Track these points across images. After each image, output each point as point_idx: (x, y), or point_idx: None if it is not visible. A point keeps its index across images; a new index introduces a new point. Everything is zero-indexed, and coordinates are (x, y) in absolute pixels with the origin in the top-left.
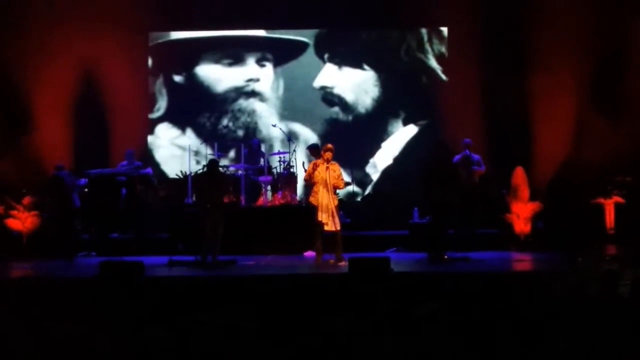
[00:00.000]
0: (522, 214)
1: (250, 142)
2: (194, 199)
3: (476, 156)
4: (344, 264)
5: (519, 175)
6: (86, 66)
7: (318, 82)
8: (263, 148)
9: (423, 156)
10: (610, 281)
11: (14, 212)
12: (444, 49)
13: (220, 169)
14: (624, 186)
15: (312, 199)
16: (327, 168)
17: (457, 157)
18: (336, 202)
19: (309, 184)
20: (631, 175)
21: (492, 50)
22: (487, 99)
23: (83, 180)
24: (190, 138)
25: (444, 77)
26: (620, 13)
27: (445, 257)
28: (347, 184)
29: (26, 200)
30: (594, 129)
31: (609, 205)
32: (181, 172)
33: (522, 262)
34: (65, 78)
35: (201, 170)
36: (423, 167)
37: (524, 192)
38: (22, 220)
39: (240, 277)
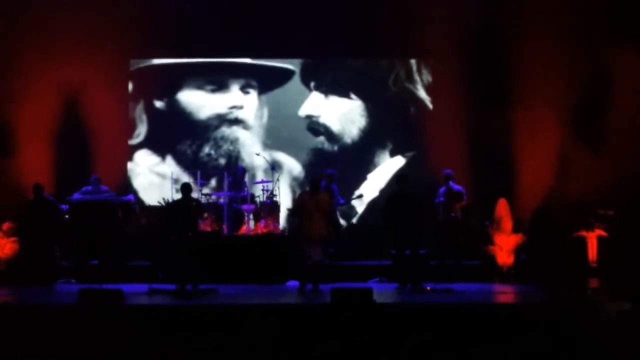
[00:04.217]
0: (504, 246)
1: (235, 169)
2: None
3: (458, 187)
4: (325, 293)
5: (502, 207)
6: (68, 91)
7: (303, 111)
8: (246, 177)
9: (411, 189)
10: (593, 315)
11: None
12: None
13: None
14: (606, 220)
15: (300, 229)
16: (312, 198)
17: (442, 189)
18: (323, 233)
19: (297, 216)
20: (613, 208)
21: (476, 83)
22: (471, 132)
23: (64, 207)
24: (170, 165)
25: (432, 107)
26: (603, 47)
27: (428, 288)
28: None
29: (6, 225)
30: (576, 161)
31: (592, 239)
32: (163, 199)
33: (505, 294)
34: (47, 103)
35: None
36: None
37: (507, 224)
38: (1, 247)
39: (221, 306)
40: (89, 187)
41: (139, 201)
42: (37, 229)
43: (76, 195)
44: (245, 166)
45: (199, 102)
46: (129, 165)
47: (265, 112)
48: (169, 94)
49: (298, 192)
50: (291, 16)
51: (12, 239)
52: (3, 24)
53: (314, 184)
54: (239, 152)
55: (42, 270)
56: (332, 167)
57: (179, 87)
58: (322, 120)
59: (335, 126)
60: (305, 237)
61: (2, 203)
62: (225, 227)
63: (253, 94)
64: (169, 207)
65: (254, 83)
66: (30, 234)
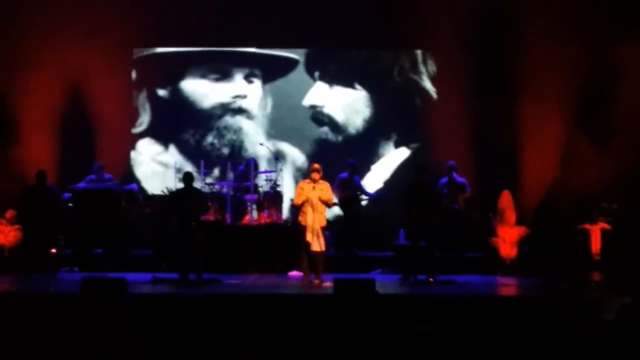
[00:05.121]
0: (508, 238)
1: (247, 161)
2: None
3: (461, 179)
4: (328, 284)
5: (506, 199)
6: (72, 80)
7: (308, 101)
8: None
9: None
10: (596, 308)
11: None
12: None
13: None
14: (610, 213)
15: (300, 219)
16: (314, 188)
17: (444, 180)
18: (323, 223)
19: (297, 206)
20: (617, 202)
21: (481, 74)
22: (476, 123)
23: (67, 195)
24: (173, 155)
25: (437, 98)
26: (608, 39)
27: (431, 280)
28: (334, 204)
29: (9, 213)
30: (581, 154)
31: (595, 232)
32: (167, 188)
33: (507, 286)
34: (50, 91)
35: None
36: (404, 189)
37: (511, 216)
38: (4, 234)
39: (224, 295)
40: (93, 176)
41: (142, 190)
42: (37, 216)
43: (81, 185)
44: (248, 156)
45: (202, 91)
46: (132, 154)
47: (269, 101)
48: (172, 82)
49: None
50: (296, 5)
51: (16, 226)
52: (6, 14)
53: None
54: (242, 141)
55: (44, 258)
56: (336, 157)
57: (182, 76)
58: (326, 110)
59: (339, 116)
60: (307, 227)
61: (5, 191)
62: (228, 217)
63: (257, 83)
64: (171, 196)
65: (258, 72)
66: (29, 221)
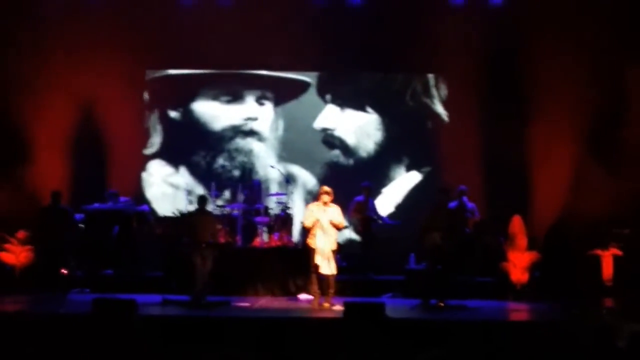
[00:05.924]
0: (519, 263)
1: (251, 183)
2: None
3: (470, 204)
4: (338, 307)
5: (516, 224)
6: (84, 100)
7: (319, 124)
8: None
9: (426, 204)
10: (607, 335)
11: (8, 246)
12: None
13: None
14: (621, 238)
15: (309, 242)
16: (324, 211)
17: (453, 203)
18: (334, 247)
19: (306, 229)
20: (629, 227)
21: (493, 98)
22: (487, 147)
23: (79, 216)
24: (183, 176)
25: (448, 122)
26: (620, 64)
27: (442, 304)
28: (344, 227)
29: (21, 234)
30: (592, 179)
31: (607, 257)
32: (177, 210)
33: (518, 311)
34: (64, 111)
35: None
36: (429, 211)
37: (522, 241)
38: (16, 254)
39: (233, 318)
40: (109, 203)
41: (152, 211)
42: (52, 237)
43: (94, 205)
44: (259, 178)
45: (213, 112)
46: (143, 175)
47: (281, 124)
48: (184, 104)
49: None
50: (308, 28)
51: (27, 247)
52: (22, 37)
53: (325, 193)
54: (253, 164)
55: (55, 278)
56: (347, 181)
57: (194, 98)
58: (337, 133)
59: (350, 139)
60: (317, 250)
61: (17, 211)
62: (238, 239)
63: (268, 105)
64: (183, 218)
65: (269, 94)
66: (44, 242)
